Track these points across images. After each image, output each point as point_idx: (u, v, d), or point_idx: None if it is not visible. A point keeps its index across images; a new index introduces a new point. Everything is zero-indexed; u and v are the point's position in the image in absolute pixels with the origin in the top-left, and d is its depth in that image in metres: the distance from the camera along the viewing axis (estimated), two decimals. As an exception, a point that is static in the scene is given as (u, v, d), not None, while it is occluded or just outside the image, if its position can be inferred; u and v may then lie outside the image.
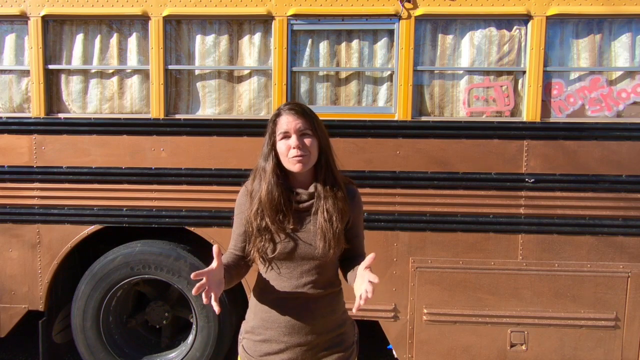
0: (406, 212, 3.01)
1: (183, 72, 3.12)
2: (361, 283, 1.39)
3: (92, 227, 3.13)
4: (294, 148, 1.52)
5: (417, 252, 3.03)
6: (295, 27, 3.01)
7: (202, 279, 1.33)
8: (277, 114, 1.58)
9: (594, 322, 2.99)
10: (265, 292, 1.62)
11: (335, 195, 1.57)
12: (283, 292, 1.59)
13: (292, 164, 1.54)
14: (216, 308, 1.33)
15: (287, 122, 1.54)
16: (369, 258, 1.40)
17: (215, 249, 1.39)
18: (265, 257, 1.57)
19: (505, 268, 3.00)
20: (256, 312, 1.64)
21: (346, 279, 1.67)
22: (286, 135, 1.54)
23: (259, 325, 1.62)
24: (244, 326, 1.70)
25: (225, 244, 2.93)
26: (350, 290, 1.57)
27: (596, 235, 2.96)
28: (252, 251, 1.60)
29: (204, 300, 1.32)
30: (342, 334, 1.67)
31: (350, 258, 1.68)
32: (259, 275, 1.67)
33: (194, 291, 1.31)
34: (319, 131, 1.57)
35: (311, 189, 1.59)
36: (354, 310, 1.37)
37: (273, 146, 1.57)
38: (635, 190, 2.92)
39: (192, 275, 1.31)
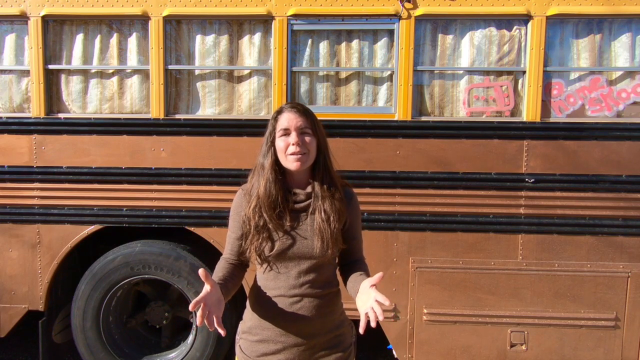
0: (406, 212, 3.01)
1: (183, 72, 3.12)
2: (366, 300, 1.34)
3: (92, 227, 3.13)
4: (293, 145, 1.52)
5: (417, 252, 3.03)
6: (295, 27, 3.01)
7: (199, 307, 1.30)
8: (279, 112, 1.59)
9: (594, 322, 2.99)
10: (262, 292, 1.61)
11: (332, 195, 1.58)
12: (280, 292, 1.58)
13: (290, 161, 1.54)
14: (221, 331, 1.32)
15: (288, 119, 1.55)
16: (376, 277, 1.36)
17: (201, 272, 1.32)
18: (262, 256, 1.56)
19: (505, 268, 3.00)
20: (253, 313, 1.64)
21: (345, 285, 1.65)
22: (286, 132, 1.55)
23: (256, 325, 1.62)
24: (241, 326, 1.70)
25: (225, 244, 2.93)
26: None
27: (596, 235, 2.95)
28: (248, 250, 1.58)
29: (209, 327, 1.31)
30: (340, 334, 1.67)
31: (348, 264, 1.68)
32: (257, 275, 1.67)
33: (198, 323, 1.29)
34: (318, 132, 1.59)
35: (308, 189, 1.59)
36: (360, 331, 1.32)
37: (272, 143, 1.58)
38: (635, 190, 2.92)
39: (190, 307, 1.28)
